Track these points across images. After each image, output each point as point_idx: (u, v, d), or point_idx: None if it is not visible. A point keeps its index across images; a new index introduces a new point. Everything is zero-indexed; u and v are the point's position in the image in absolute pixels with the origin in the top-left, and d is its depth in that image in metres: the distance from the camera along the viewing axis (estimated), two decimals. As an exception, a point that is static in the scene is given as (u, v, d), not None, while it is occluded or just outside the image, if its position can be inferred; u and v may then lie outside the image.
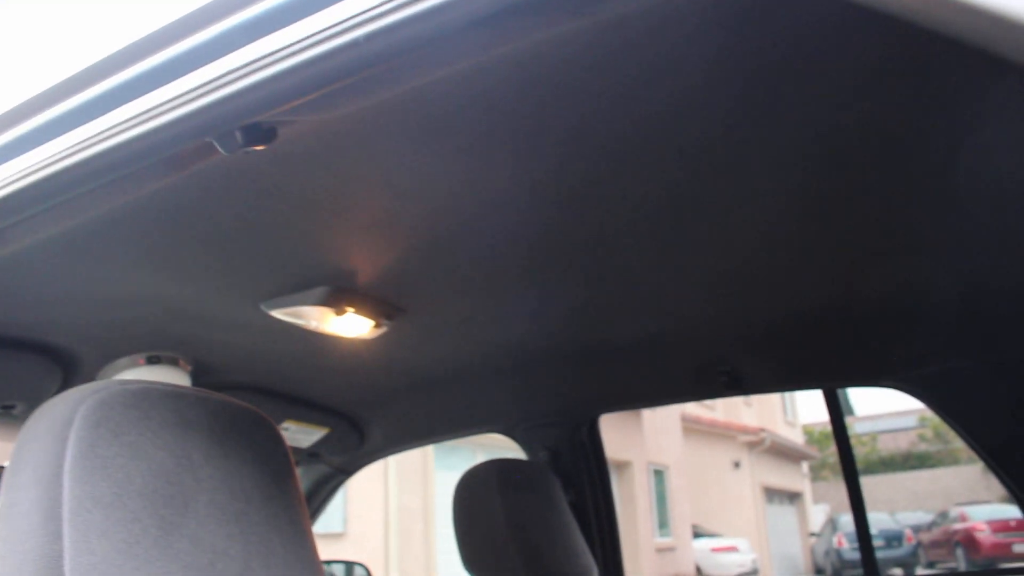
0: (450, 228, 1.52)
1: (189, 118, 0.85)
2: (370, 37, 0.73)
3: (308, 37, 0.77)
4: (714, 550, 20.59)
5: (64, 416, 1.05)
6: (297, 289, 1.80)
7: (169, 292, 1.79)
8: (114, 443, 1.04)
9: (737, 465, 22.98)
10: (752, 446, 23.15)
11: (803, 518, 27.54)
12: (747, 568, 20.72)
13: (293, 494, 1.23)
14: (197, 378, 2.29)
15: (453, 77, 0.94)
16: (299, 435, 2.76)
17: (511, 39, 0.77)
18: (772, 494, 25.11)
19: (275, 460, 1.24)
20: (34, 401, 2.19)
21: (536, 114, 1.13)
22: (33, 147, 1.00)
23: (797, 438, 27.29)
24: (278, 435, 1.30)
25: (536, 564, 2.01)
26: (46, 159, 0.98)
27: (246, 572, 1.06)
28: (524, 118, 1.14)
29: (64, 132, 0.97)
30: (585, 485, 2.72)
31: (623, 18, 0.86)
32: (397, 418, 2.81)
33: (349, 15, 0.75)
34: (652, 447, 18.27)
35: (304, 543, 1.20)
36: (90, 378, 2.16)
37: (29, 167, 1.00)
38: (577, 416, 2.73)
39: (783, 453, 25.23)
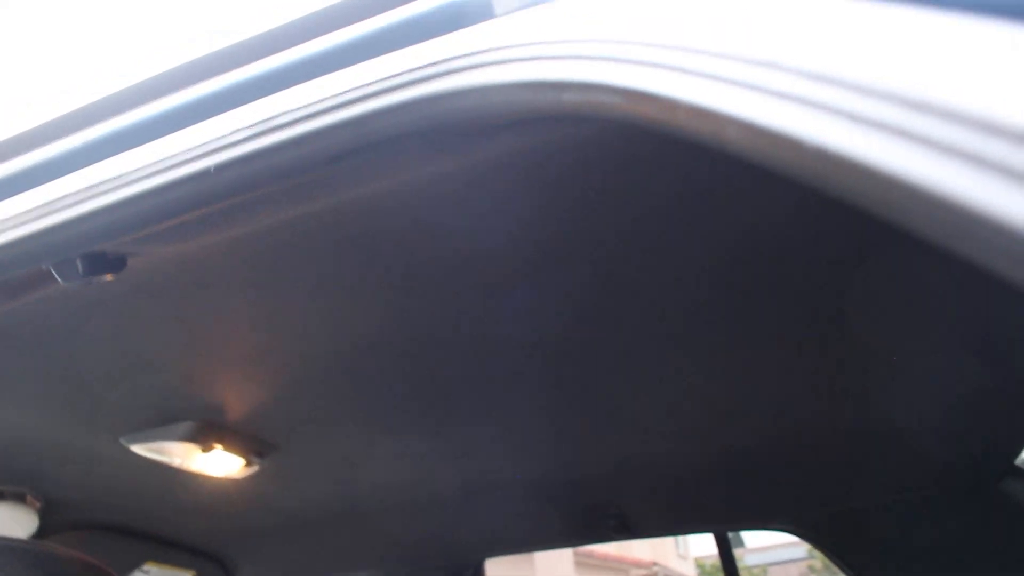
0: (325, 364, 1.44)
1: (20, 243, 0.76)
2: (221, 167, 0.67)
3: (153, 163, 0.70)
4: None
5: None
6: (160, 423, 1.67)
7: (13, 421, 1.63)
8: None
9: (630, 598, 22.54)
10: (645, 579, 22.81)
11: (696, 655, 27.03)
12: None
13: None
14: (47, 516, 2.10)
15: (319, 212, 0.88)
16: (161, 578, 2.55)
17: (373, 178, 0.72)
18: (666, 629, 24.65)
19: None
20: None
21: (408, 254, 1.08)
22: None
23: (689, 572, 27.08)
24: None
25: None
26: None
27: None
28: (396, 257, 1.09)
29: None
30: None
31: (497, 158, 0.83)
32: (270, 560, 2.63)
33: (198, 143, 0.68)
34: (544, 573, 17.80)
35: None
36: (-79, 516, 1.95)
37: None
38: (461, 560, 2.60)
39: (677, 586, 24.92)
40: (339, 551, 2.61)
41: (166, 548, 2.45)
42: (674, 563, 25.48)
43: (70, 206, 0.73)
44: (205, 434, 1.68)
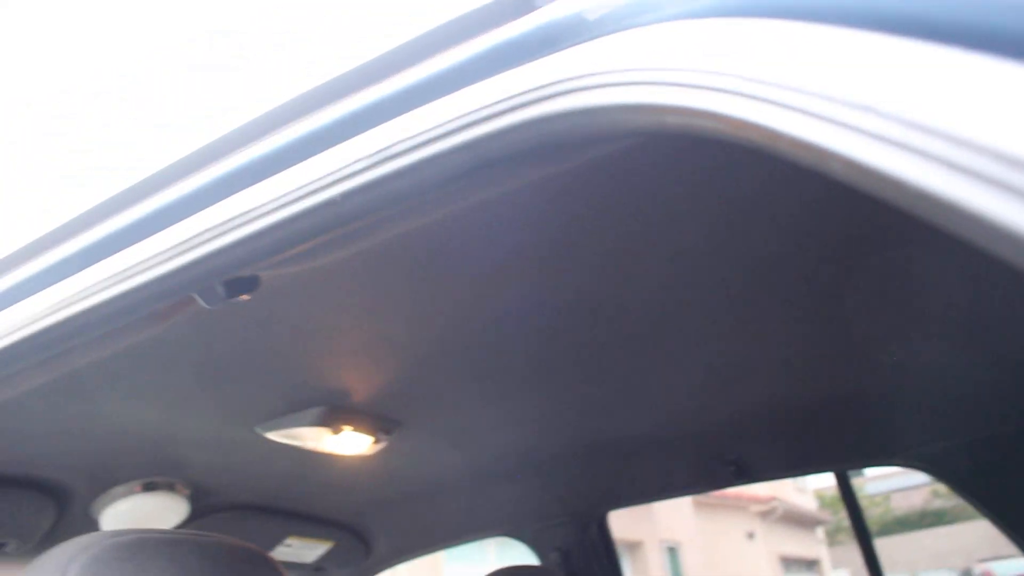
0: (445, 344, 1.51)
1: (169, 276, 0.84)
2: (347, 195, 0.72)
3: (285, 195, 0.76)
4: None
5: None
6: (291, 410, 1.77)
7: (163, 420, 1.76)
8: (108, 603, 1.00)
9: (751, 536, 22.49)
10: (764, 515, 22.70)
11: (824, 586, 26.85)
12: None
13: None
14: (195, 501, 2.24)
15: (432, 223, 0.93)
16: (303, 550, 2.69)
17: (488, 187, 0.76)
18: (790, 563, 24.54)
19: None
20: (27, 537, 2.13)
21: (524, 242, 1.12)
22: (9, 305, 0.99)
23: (809, 504, 26.77)
24: (277, 571, 1.26)
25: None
26: (25, 319, 0.96)
27: None
28: (513, 246, 1.13)
29: (36, 291, 0.96)
30: (599, 585, 2.65)
31: (597, 161, 0.85)
32: (402, 527, 2.75)
33: (325, 173, 0.73)
34: (663, 524, 17.92)
35: None
36: (85, 510, 2.11)
37: (10, 326, 0.98)
38: (585, 515, 2.67)
39: (797, 520, 24.75)
40: (467, 514, 2.71)
41: (305, 522, 2.59)
42: (793, 497, 25.25)
43: (211, 239, 0.80)
44: (334, 417, 1.78)
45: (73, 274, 0.92)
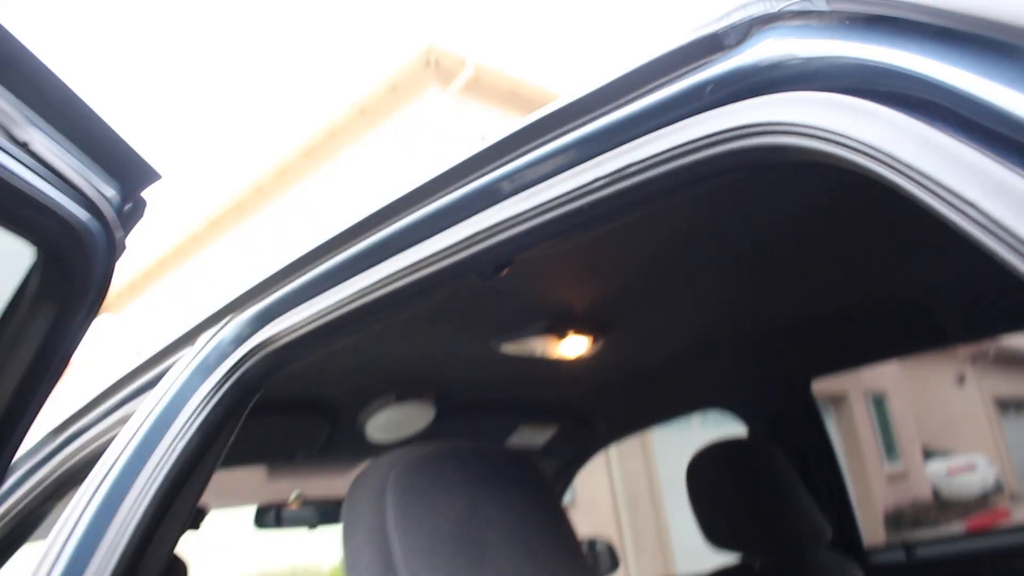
0: (648, 253, 1.71)
1: (460, 264, 1.11)
2: (592, 205, 0.94)
3: (543, 204, 0.99)
4: (951, 472, 19.61)
5: (377, 487, 1.32)
6: (521, 325, 2.03)
7: (413, 344, 2.07)
8: (420, 503, 1.30)
9: (962, 380, 21.72)
10: (975, 358, 21.77)
11: (1046, 425, 25.69)
12: (989, 486, 19.62)
13: (560, 518, 1.46)
14: (440, 404, 2.58)
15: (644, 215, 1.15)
16: (533, 436, 3.03)
17: (695, 188, 0.95)
18: (1007, 406, 23.44)
19: (541, 493, 1.47)
20: (310, 448, 2.56)
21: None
22: (331, 287, 1.29)
23: (1025, 342, 25.36)
24: (540, 472, 1.54)
25: (771, 532, 2.15)
26: (344, 300, 1.26)
27: None
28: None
29: (344, 280, 1.25)
30: (808, 449, 2.82)
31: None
32: (619, 409, 3.01)
33: (574, 188, 0.96)
34: (866, 374, 17.60)
35: (576, 558, 1.42)
36: (351, 420, 2.49)
37: (336, 302, 1.28)
38: (791, 384, 2.82)
39: (1012, 360, 23.55)
40: (679, 393, 2.94)
41: (533, 412, 2.91)
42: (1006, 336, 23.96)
43: (489, 237, 1.05)
44: (558, 326, 2.03)
45: (386, 259, 1.21)
